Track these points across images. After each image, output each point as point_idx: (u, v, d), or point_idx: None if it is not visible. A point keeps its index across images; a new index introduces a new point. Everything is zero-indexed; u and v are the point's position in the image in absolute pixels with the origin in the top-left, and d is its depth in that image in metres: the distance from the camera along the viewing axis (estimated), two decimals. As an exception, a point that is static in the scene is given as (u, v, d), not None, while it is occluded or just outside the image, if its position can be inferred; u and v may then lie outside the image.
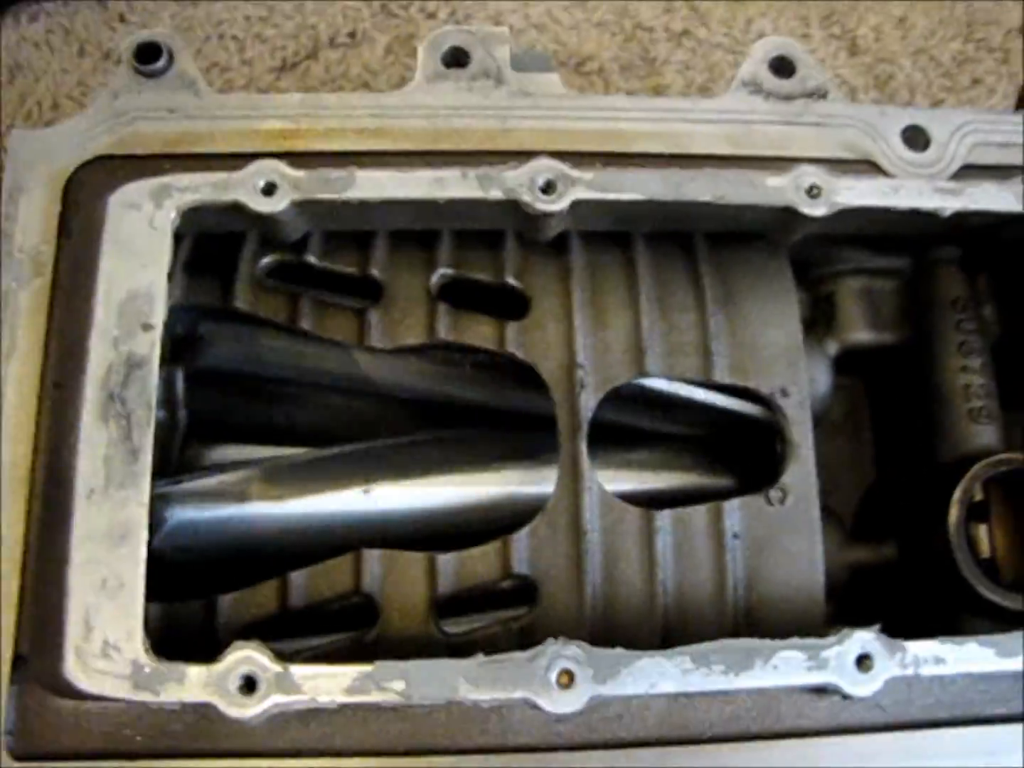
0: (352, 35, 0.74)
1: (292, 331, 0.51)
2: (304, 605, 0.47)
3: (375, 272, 0.52)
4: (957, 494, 0.54)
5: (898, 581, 0.58)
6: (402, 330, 0.51)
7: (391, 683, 0.41)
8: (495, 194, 0.48)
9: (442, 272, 0.52)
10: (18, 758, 0.43)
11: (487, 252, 0.53)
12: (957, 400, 0.57)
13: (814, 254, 0.57)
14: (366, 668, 0.41)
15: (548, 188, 0.48)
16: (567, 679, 0.41)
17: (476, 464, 0.53)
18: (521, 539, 0.49)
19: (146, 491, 0.42)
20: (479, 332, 0.52)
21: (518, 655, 0.42)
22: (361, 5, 0.75)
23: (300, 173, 0.46)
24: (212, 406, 0.52)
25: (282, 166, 0.47)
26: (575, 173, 0.48)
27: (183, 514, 0.47)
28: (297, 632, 0.48)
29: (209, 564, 0.50)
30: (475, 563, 0.49)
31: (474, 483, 0.53)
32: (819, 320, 0.59)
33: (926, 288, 0.59)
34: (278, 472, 0.51)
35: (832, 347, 0.59)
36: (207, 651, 0.42)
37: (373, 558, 0.48)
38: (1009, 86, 0.76)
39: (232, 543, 0.50)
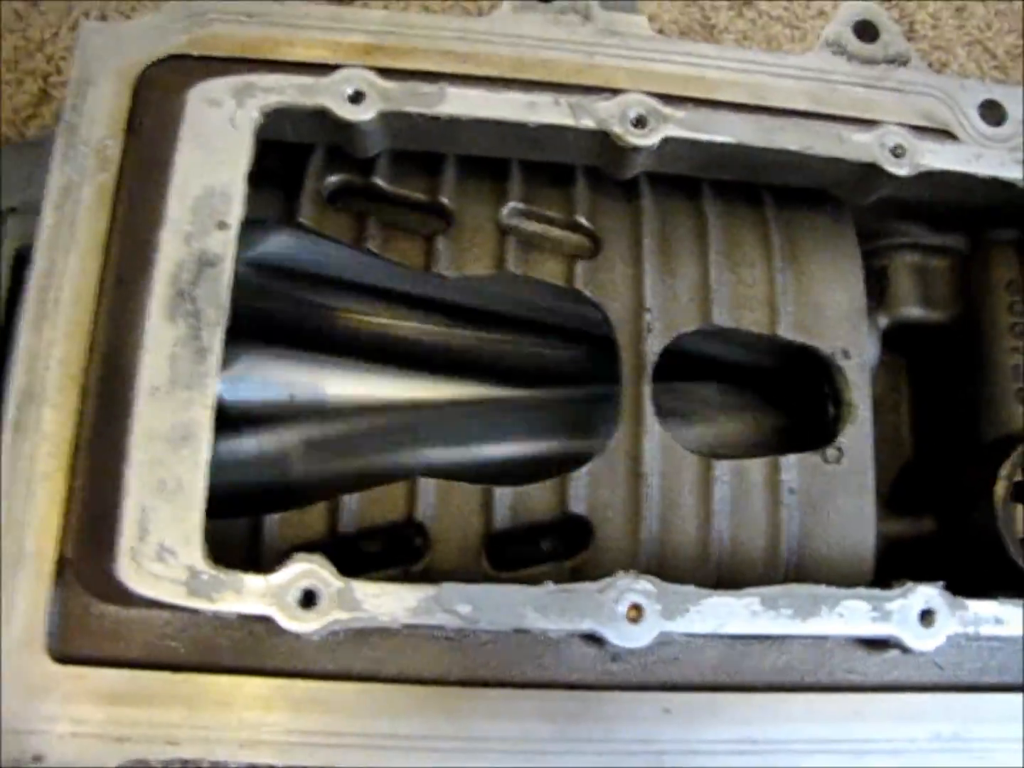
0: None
1: (358, 249, 0.50)
2: (354, 531, 0.46)
3: (445, 199, 0.50)
4: (1005, 470, 0.54)
5: (934, 556, 0.58)
6: (470, 259, 0.50)
7: (457, 606, 0.40)
8: (586, 123, 0.47)
9: (513, 205, 0.51)
10: (57, 660, 0.41)
11: (558, 189, 0.52)
12: (1006, 380, 0.57)
13: (872, 225, 0.57)
14: (431, 590, 0.40)
15: (640, 122, 0.47)
16: (636, 613, 0.40)
17: (531, 431, 0.52)
18: (580, 478, 0.48)
19: (212, 393, 0.41)
20: (547, 267, 0.51)
21: (587, 585, 0.41)
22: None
23: (390, 84, 0.45)
24: (263, 303, 0.50)
25: (372, 75, 0.45)
26: (667, 110, 0.47)
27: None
28: (342, 561, 0.47)
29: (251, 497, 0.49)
30: (531, 499, 0.48)
31: (528, 449, 0.52)
32: (871, 293, 0.59)
33: (981, 268, 0.59)
34: (321, 445, 0.50)
35: (882, 320, 0.59)
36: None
37: (428, 487, 0.47)
38: (1062, 85, 0.76)
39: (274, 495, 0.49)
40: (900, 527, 0.58)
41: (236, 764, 0.42)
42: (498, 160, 0.51)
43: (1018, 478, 0.54)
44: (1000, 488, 0.53)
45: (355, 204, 0.51)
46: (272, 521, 0.46)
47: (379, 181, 0.50)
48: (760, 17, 0.75)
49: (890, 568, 0.57)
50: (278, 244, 0.47)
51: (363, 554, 0.47)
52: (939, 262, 0.60)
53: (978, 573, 0.55)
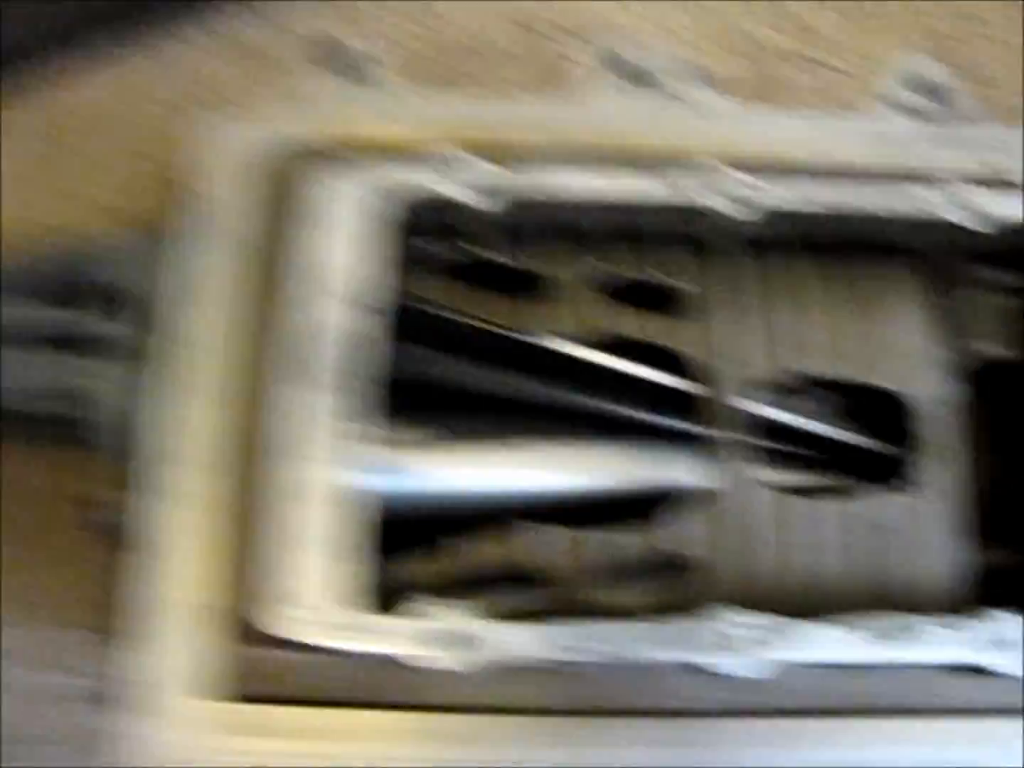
0: (495, 47, 0.77)
1: (460, 312, 0.54)
2: (466, 571, 0.50)
3: (537, 265, 0.55)
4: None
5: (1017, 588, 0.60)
6: (563, 319, 0.54)
7: (575, 642, 0.44)
8: (681, 199, 0.51)
9: (601, 267, 0.55)
10: (217, 699, 0.46)
11: (646, 254, 0.56)
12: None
13: (950, 265, 0.60)
14: (552, 628, 0.44)
15: (733, 197, 0.51)
16: (739, 643, 0.44)
17: (621, 473, 0.56)
18: (673, 521, 0.51)
19: (339, 454, 0.45)
20: (635, 324, 0.55)
21: (693, 618, 0.44)
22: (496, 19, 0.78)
23: (503, 170, 0.50)
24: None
25: (486, 164, 0.50)
26: (760, 183, 0.51)
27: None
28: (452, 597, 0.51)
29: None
30: (623, 539, 0.51)
31: (623, 466, 0.56)
32: (949, 329, 0.62)
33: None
34: (435, 442, 0.54)
35: (960, 359, 0.62)
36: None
37: (525, 530, 0.51)
38: None
39: (392, 511, 0.53)
40: (990, 557, 0.60)
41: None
42: (589, 229, 0.55)
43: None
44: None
45: (457, 273, 0.56)
46: (398, 566, 0.50)
47: (478, 251, 0.55)
48: (818, 69, 0.79)
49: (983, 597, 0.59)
50: (395, 316, 0.51)
51: (477, 591, 0.51)
52: (1015, 301, 0.63)
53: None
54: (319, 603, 0.44)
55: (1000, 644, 0.47)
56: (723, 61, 0.77)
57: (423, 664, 0.43)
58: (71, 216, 0.76)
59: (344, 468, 0.45)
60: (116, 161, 0.77)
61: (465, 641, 0.43)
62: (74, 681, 0.69)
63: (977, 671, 0.46)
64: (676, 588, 0.51)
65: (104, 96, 0.79)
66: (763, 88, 0.77)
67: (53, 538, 0.71)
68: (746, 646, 0.44)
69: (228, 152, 0.53)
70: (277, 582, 0.44)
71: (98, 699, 0.68)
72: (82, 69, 0.79)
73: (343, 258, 0.48)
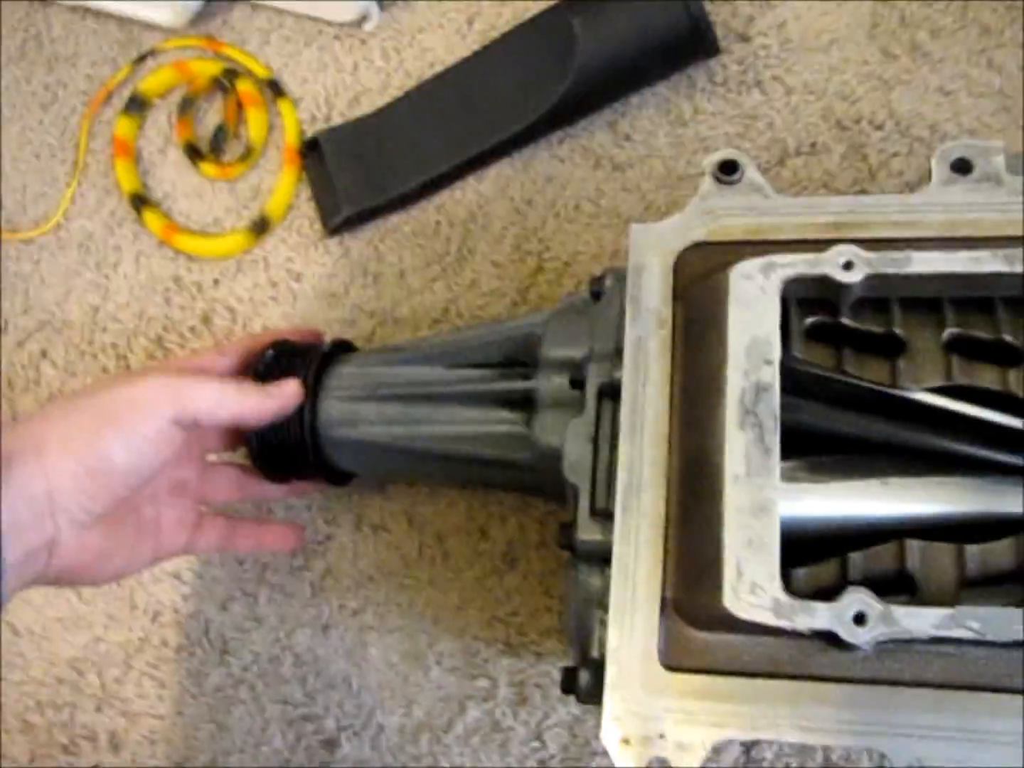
0: (813, 145, 0.90)
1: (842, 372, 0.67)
2: (859, 579, 0.62)
3: (898, 330, 0.67)
4: None
5: None
6: (924, 375, 0.66)
7: (969, 622, 0.56)
8: (1017, 268, 0.63)
9: (951, 330, 0.67)
10: (666, 669, 0.61)
11: (984, 316, 0.68)
12: None
13: None
14: (949, 610, 0.56)
15: (1064, 267, 0.62)
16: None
17: (978, 482, 0.67)
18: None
19: (776, 478, 0.60)
20: (986, 376, 0.66)
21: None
22: (819, 121, 0.92)
23: (871, 254, 0.63)
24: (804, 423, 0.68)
25: (857, 249, 0.64)
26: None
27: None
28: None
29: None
30: (995, 553, 0.63)
31: (975, 497, 0.67)
32: None
33: None
34: (821, 466, 0.67)
35: None
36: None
37: (913, 546, 0.63)
38: None
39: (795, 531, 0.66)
40: None
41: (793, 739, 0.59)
42: (931, 298, 0.68)
43: None
44: None
45: (825, 339, 0.69)
46: (799, 573, 0.63)
47: (847, 320, 0.68)
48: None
49: None
50: (794, 377, 0.65)
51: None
52: None
53: None
54: (757, 589, 0.58)
55: None
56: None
57: (848, 639, 0.56)
58: (479, 304, 0.95)
59: (773, 494, 0.59)
60: (508, 257, 0.96)
61: (869, 619, 0.56)
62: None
63: None
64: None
65: (490, 203, 0.98)
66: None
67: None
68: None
69: (647, 249, 0.69)
70: (732, 576, 0.58)
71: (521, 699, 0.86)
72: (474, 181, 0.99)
73: (759, 328, 0.63)
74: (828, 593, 0.61)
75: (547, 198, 0.96)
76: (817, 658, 0.59)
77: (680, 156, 0.94)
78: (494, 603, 0.89)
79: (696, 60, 0.94)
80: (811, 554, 0.65)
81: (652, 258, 0.70)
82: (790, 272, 0.64)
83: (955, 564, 0.63)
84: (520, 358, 0.76)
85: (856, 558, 0.64)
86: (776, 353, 0.62)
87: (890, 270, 0.64)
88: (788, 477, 0.65)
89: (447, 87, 0.99)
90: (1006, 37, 0.94)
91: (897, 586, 0.63)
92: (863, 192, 0.89)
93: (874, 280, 0.65)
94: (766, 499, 0.60)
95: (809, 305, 0.68)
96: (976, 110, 0.92)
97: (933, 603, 0.62)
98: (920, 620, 0.57)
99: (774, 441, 0.61)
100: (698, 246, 0.70)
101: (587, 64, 0.90)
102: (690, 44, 0.91)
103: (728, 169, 0.71)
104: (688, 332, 0.67)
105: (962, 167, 0.69)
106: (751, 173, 0.71)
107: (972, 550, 0.63)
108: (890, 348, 0.68)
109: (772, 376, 0.62)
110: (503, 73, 0.95)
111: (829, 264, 0.64)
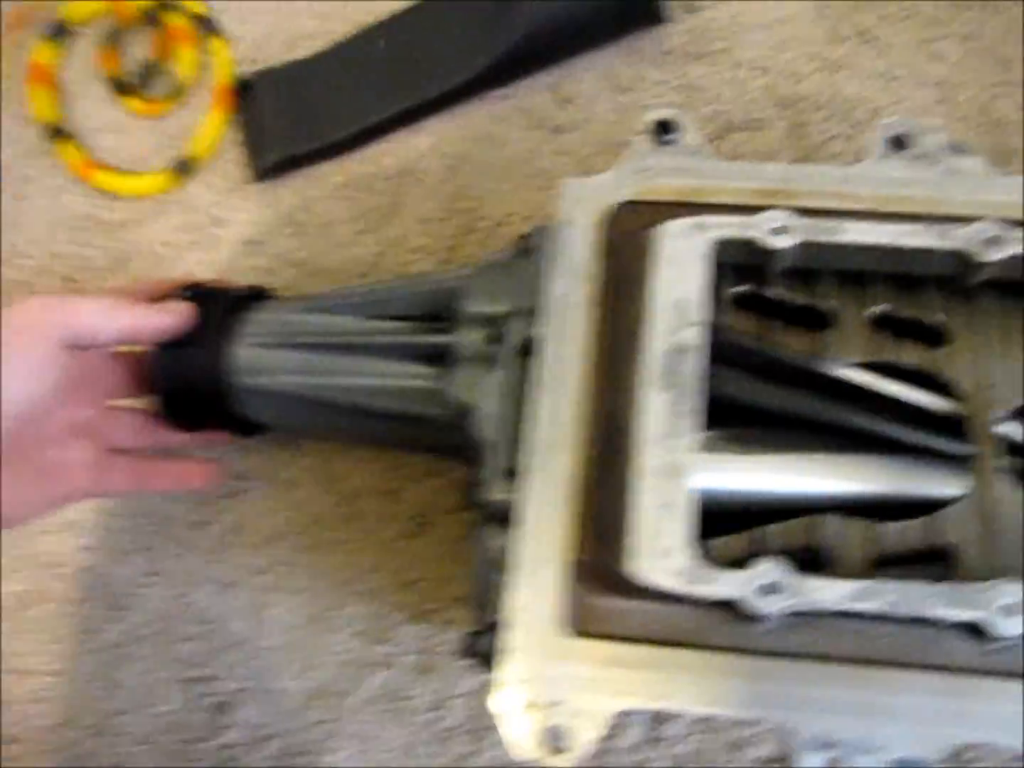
0: (756, 120, 0.89)
1: (764, 340, 0.66)
2: (774, 552, 0.61)
3: (825, 303, 0.66)
4: None
5: None
6: (850, 351, 0.65)
7: (879, 596, 0.54)
8: (949, 245, 0.62)
9: (879, 307, 0.66)
10: (573, 635, 0.59)
11: (913, 293, 0.67)
12: None
13: None
14: (862, 583, 0.55)
15: (992, 242, 0.61)
16: (1009, 609, 0.54)
17: (898, 462, 0.66)
18: (946, 516, 0.61)
19: (692, 441, 0.58)
20: (904, 353, 0.65)
21: (977, 585, 0.54)
22: (763, 97, 0.90)
23: (803, 220, 0.62)
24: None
25: (789, 214, 0.62)
26: (1012, 233, 0.61)
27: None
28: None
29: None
30: (908, 533, 0.62)
31: (895, 476, 0.66)
32: None
33: None
34: (744, 438, 0.65)
35: None
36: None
37: (827, 521, 0.62)
38: None
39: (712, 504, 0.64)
40: None
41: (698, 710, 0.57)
42: (861, 272, 0.67)
43: None
44: None
45: (753, 308, 0.68)
46: (714, 544, 0.62)
47: (775, 290, 0.67)
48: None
49: None
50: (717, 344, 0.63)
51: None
52: None
53: None
54: (665, 555, 0.56)
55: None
56: (965, 136, 0.88)
57: (754, 609, 0.54)
58: (406, 260, 0.92)
59: (686, 460, 0.57)
60: (439, 215, 0.93)
61: (781, 589, 0.55)
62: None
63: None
64: (946, 577, 0.61)
65: (423, 158, 0.95)
66: (1004, 163, 0.87)
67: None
68: (1016, 612, 0.54)
69: (575, 205, 0.67)
70: (631, 538, 0.57)
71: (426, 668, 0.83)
72: (407, 134, 0.96)
73: (683, 288, 0.61)
74: (741, 564, 0.60)
75: (482, 157, 0.93)
76: (725, 629, 0.58)
77: (621, 122, 0.92)
78: (405, 568, 0.86)
79: (643, 27, 0.92)
80: (730, 527, 0.63)
81: (581, 214, 0.68)
82: (720, 234, 0.63)
83: (868, 541, 0.62)
84: (442, 313, 0.73)
85: (770, 530, 0.62)
86: (702, 315, 0.61)
87: (821, 238, 0.63)
88: (709, 447, 0.64)
89: (386, 37, 0.96)
90: (951, 28, 0.93)
91: (811, 562, 0.62)
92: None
93: (805, 248, 0.63)
94: (680, 462, 0.58)
95: (739, 273, 0.67)
96: (918, 98, 0.91)
97: (850, 576, 0.61)
98: (832, 592, 0.56)
99: (694, 404, 0.59)
100: (630, 204, 0.68)
101: (529, 23, 0.88)
102: (637, 9, 0.89)
103: (666, 128, 0.69)
104: (614, 290, 0.65)
105: (900, 143, 0.68)
106: (690, 135, 0.69)
107: (885, 528, 0.62)
108: (818, 321, 0.67)
109: (696, 338, 0.60)
110: (443, 26, 0.92)
111: (760, 228, 0.63)
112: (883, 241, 0.63)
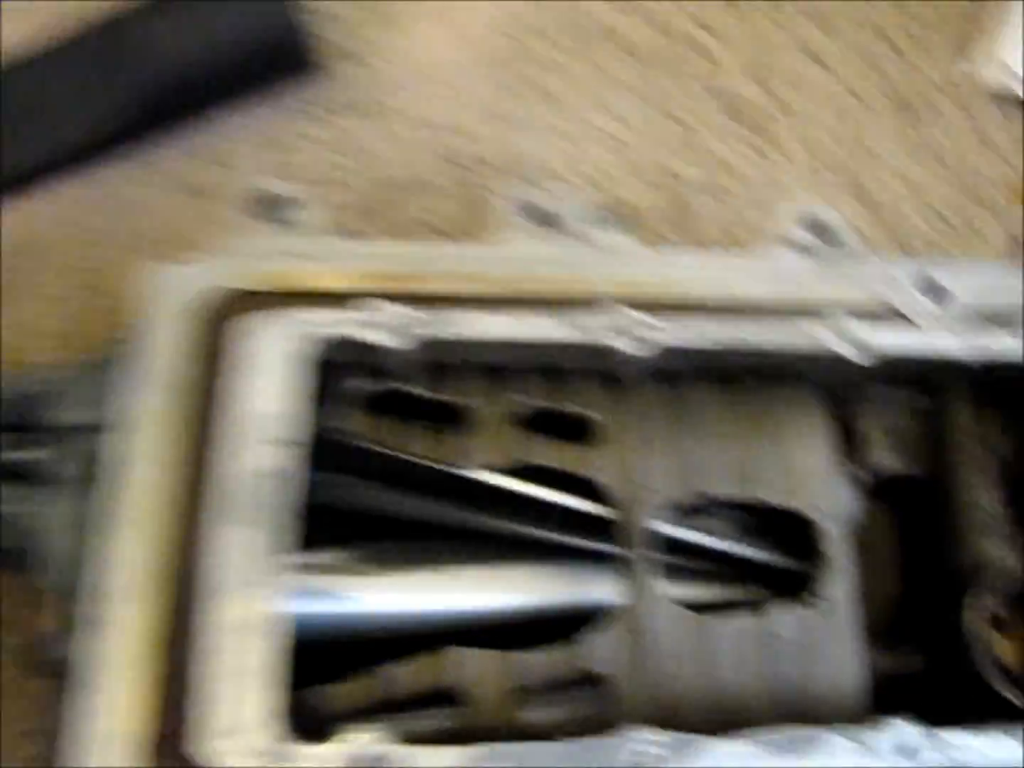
0: (421, 181, 0.81)
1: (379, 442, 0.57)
2: (402, 695, 0.52)
3: (462, 400, 0.58)
4: (970, 598, 0.59)
5: (921, 691, 0.63)
6: (482, 451, 0.57)
7: (503, 759, 0.46)
8: (582, 338, 0.55)
9: (520, 401, 0.59)
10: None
11: (559, 387, 0.60)
12: (973, 519, 0.63)
13: (845, 388, 0.64)
14: (470, 750, 0.46)
15: (633, 336, 0.55)
16: (648, 761, 0.47)
17: (547, 569, 0.59)
18: (590, 640, 0.54)
19: (274, 589, 0.48)
20: (550, 454, 0.58)
21: (602, 739, 0.47)
22: (431, 156, 0.83)
23: (416, 313, 0.54)
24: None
25: (401, 307, 0.54)
26: (656, 322, 0.55)
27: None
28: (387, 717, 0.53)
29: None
30: (548, 660, 0.54)
31: (545, 586, 0.58)
32: (851, 449, 0.66)
33: (945, 423, 0.66)
34: (360, 567, 0.57)
35: (860, 475, 0.66)
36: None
37: (456, 656, 0.53)
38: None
39: (324, 636, 0.55)
40: (893, 663, 0.64)
41: None
42: (502, 365, 0.59)
43: (989, 605, 0.60)
44: (969, 617, 0.59)
45: (375, 406, 0.59)
46: (320, 692, 0.52)
47: (399, 385, 0.58)
48: (734, 201, 0.85)
49: (894, 701, 0.62)
50: (319, 449, 0.54)
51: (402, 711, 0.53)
52: (909, 418, 0.67)
53: (969, 702, 0.60)
54: (242, 732, 0.46)
55: (901, 751, 0.50)
56: (640, 193, 0.83)
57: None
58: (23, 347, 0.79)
59: (273, 598, 0.48)
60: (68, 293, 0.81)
61: (379, 764, 0.46)
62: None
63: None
64: (592, 705, 0.53)
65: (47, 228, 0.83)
66: (677, 217, 0.82)
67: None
68: (653, 763, 0.47)
69: (167, 293, 0.57)
70: (204, 712, 0.46)
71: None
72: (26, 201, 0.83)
73: (270, 400, 0.51)
74: (370, 712, 0.51)
75: (114, 225, 0.81)
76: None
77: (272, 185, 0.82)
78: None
79: (290, 75, 0.83)
80: (354, 660, 0.54)
81: (169, 305, 0.57)
82: (313, 331, 0.53)
83: (505, 674, 0.54)
84: (25, 421, 0.61)
85: (398, 672, 0.53)
86: (288, 429, 0.51)
87: (440, 333, 0.55)
88: (325, 570, 0.55)
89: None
90: (629, 86, 0.89)
91: (447, 701, 0.54)
92: (469, 236, 0.80)
93: (421, 341, 0.55)
94: (257, 616, 0.48)
95: (359, 369, 0.58)
96: (596, 158, 0.86)
97: (487, 715, 0.53)
98: (440, 760, 0.47)
99: (274, 541, 0.49)
100: (233, 294, 0.58)
101: (158, 63, 0.77)
102: (280, 54, 0.80)
103: (274, 205, 0.60)
104: (200, 400, 0.55)
105: (540, 217, 0.61)
106: (308, 211, 0.60)
107: (525, 658, 0.54)
108: (456, 419, 0.59)
109: (280, 458, 0.51)
110: (63, 75, 0.80)
111: (369, 325, 0.54)
112: (508, 334, 0.55)
